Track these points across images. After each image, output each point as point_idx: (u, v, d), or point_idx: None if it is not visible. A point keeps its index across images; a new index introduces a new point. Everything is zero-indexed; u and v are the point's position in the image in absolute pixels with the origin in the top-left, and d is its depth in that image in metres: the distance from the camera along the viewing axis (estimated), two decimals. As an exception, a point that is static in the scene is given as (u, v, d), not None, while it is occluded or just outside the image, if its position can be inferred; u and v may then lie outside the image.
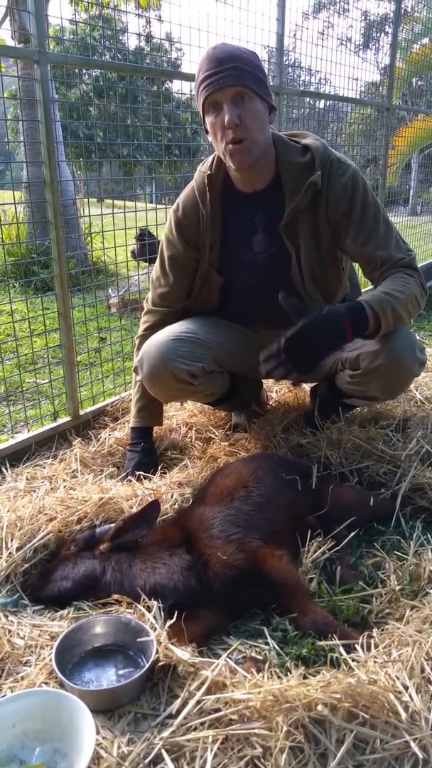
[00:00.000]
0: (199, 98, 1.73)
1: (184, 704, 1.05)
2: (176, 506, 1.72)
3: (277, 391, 2.61)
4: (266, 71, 1.79)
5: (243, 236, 1.93)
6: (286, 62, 3.40)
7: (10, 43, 4.82)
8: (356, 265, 2.05)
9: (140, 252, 4.63)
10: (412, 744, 0.96)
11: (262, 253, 1.93)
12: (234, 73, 1.66)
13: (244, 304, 2.04)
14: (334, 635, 1.22)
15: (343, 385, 2.00)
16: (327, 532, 1.58)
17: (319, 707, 0.99)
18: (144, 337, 2.00)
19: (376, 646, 1.20)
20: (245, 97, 1.69)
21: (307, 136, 1.91)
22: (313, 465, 1.82)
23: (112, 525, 1.49)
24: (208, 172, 1.87)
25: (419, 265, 1.88)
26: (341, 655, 1.18)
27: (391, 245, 1.82)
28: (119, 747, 0.99)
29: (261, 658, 1.23)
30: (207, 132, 1.79)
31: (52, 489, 1.80)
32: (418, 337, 3.64)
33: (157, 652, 1.14)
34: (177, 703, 1.06)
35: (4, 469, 1.96)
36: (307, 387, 2.49)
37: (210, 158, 1.93)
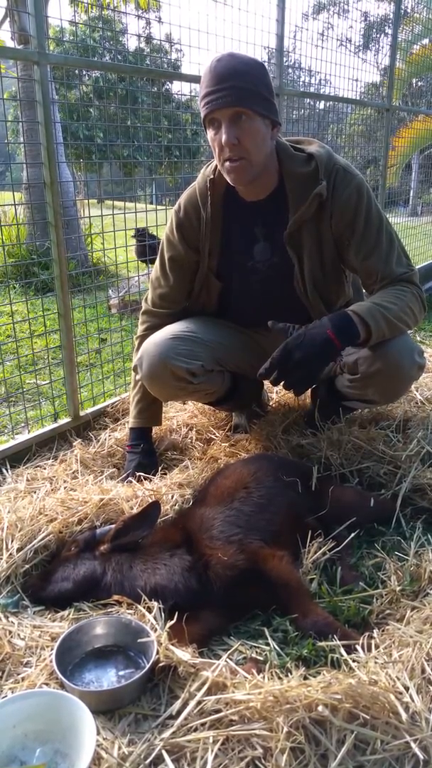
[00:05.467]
0: (201, 111, 1.69)
1: (185, 705, 1.05)
2: (177, 507, 1.72)
3: (277, 392, 2.61)
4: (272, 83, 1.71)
5: (244, 244, 1.92)
6: (286, 63, 3.41)
7: (10, 44, 4.82)
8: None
9: (139, 251, 4.62)
10: (413, 745, 0.96)
11: (263, 261, 1.92)
12: (233, 93, 1.61)
13: (244, 309, 2.03)
14: (335, 636, 1.23)
15: (342, 388, 2.00)
16: (327, 532, 1.58)
17: (320, 708, 0.99)
18: (143, 338, 2.00)
19: (377, 647, 1.20)
20: (243, 117, 1.64)
21: (312, 143, 1.87)
22: (314, 466, 1.81)
23: (113, 526, 1.49)
24: (211, 176, 1.84)
25: (419, 266, 1.88)
26: (342, 655, 1.18)
27: (392, 260, 1.80)
28: (120, 748, 0.99)
29: (261, 658, 1.23)
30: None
31: (52, 490, 1.80)
32: (418, 338, 3.66)
33: (157, 652, 1.14)
34: (177, 703, 1.06)
35: (4, 470, 1.96)
36: (307, 388, 2.49)
37: (215, 161, 1.87)
